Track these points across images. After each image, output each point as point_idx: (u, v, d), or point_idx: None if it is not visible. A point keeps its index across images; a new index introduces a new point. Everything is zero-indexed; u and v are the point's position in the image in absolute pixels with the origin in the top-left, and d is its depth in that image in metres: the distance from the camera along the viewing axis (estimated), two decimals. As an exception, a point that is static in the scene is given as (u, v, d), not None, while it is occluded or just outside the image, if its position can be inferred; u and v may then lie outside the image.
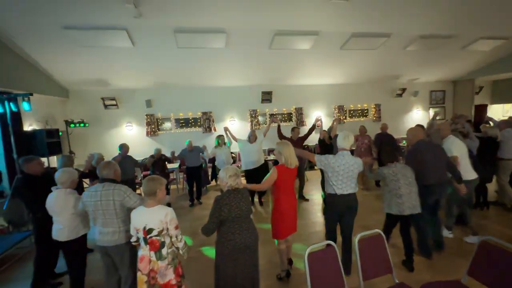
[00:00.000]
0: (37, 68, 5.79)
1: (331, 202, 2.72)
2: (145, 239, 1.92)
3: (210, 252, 3.56)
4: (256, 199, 5.55)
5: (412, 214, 2.83)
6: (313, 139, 7.08)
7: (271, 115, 8.49)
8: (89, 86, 6.99)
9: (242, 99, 8.20)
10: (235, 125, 8.13)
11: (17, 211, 4.84)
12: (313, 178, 7.23)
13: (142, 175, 6.76)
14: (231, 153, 6.29)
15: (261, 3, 4.46)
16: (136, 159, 5.24)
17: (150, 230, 1.90)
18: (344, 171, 2.58)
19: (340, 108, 9.07)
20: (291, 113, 8.73)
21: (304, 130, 6.00)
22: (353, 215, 2.73)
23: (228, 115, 8.23)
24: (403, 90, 9.48)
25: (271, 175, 2.58)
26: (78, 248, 2.56)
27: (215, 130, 8.03)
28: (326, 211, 2.85)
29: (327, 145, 5.23)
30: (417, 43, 6.49)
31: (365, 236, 2.10)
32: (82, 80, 6.64)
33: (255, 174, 4.93)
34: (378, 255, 2.10)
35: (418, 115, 10.06)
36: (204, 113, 7.98)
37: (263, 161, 5.27)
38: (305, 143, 5.46)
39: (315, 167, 8.42)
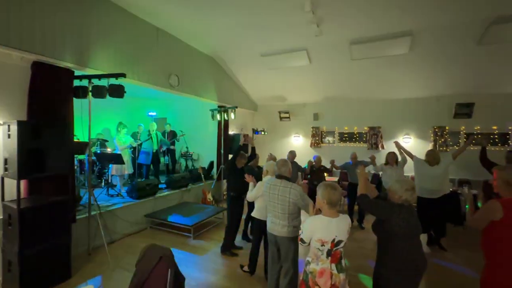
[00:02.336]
0: (240, 88, 7.81)
1: None
2: (329, 251, 1.79)
3: (367, 281, 3.10)
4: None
5: None
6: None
7: (469, 134, 6.35)
8: (270, 102, 8.50)
9: (423, 113, 6.76)
10: (410, 143, 6.82)
11: (218, 191, 6.68)
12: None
13: (302, 182, 7.21)
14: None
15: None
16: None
17: (338, 242, 1.80)
18: None
19: None
20: (507, 134, 6.10)
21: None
22: None
23: (402, 132, 7.06)
24: None
25: (486, 210, 1.74)
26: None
27: (383, 147, 7.15)
28: None
29: None
30: None
31: None
32: (267, 96, 8.20)
33: (430, 206, 3.86)
34: None
35: None
36: (371, 128, 7.34)
37: (447, 191, 4.03)
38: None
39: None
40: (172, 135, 7.07)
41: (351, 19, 4.37)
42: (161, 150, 7.03)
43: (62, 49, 3.29)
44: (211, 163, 7.21)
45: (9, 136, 2.67)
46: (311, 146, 8.12)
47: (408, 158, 4.47)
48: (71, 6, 3.40)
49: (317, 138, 8.05)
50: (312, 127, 8.10)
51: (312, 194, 2.24)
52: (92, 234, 3.67)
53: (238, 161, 3.80)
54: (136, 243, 4.08)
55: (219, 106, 6.73)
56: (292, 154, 5.43)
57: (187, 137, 7.14)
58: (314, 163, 5.53)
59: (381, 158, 5.67)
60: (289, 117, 8.40)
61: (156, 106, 8.37)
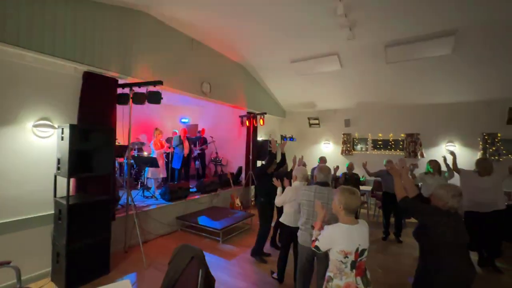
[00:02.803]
0: (269, 94, 7.85)
1: None
2: (353, 263, 1.63)
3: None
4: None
5: None
6: None
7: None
8: (299, 108, 8.40)
9: (470, 119, 6.18)
10: (454, 152, 6.23)
11: (246, 197, 6.70)
12: None
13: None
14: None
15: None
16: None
17: (362, 252, 1.66)
18: None
19: None
20: None
21: None
22: None
23: (444, 139, 6.50)
24: None
25: None
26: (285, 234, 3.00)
27: (422, 155, 6.64)
28: None
29: None
30: None
31: None
32: (296, 103, 8.13)
33: (479, 221, 3.48)
34: None
35: None
36: (409, 135, 6.87)
37: (502, 207, 3.59)
38: None
39: None
40: (203, 141, 7.33)
41: (387, 20, 4.19)
42: (192, 156, 7.28)
43: (109, 60, 3.61)
44: (240, 169, 7.28)
45: (62, 138, 2.95)
46: (342, 153, 7.82)
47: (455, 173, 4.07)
48: (116, 21, 3.73)
49: (348, 145, 7.74)
50: (343, 134, 7.82)
51: None
52: (128, 233, 3.88)
53: (270, 167, 3.83)
54: (168, 244, 4.22)
55: (248, 113, 6.82)
56: (323, 160, 5.29)
57: (216, 143, 7.32)
58: (338, 169, 5.31)
59: (421, 167, 5.27)
60: (318, 124, 8.22)
61: (188, 113, 8.75)
